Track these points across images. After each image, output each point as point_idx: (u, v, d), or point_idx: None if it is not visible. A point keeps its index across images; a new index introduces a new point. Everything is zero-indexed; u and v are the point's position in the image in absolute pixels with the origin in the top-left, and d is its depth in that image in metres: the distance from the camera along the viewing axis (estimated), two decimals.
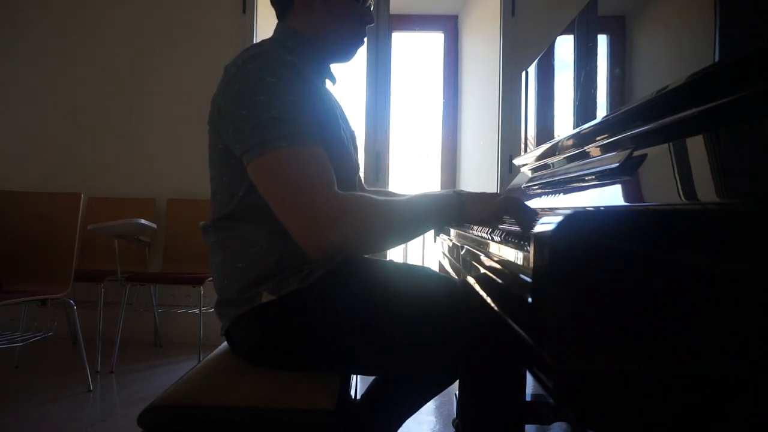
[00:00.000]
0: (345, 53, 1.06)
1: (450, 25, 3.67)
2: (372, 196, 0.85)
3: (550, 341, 0.54)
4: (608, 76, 1.08)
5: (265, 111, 0.83)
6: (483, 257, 1.05)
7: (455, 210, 0.88)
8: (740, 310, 0.51)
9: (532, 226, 0.87)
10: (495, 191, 2.87)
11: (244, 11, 3.00)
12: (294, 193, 0.81)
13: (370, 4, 1.05)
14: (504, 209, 0.88)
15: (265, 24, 3.06)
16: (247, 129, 0.83)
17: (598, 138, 1.07)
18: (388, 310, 0.89)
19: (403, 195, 0.95)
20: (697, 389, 0.52)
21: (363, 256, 0.94)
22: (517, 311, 0.73)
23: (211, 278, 1.04)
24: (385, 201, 0.85)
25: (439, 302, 0.90)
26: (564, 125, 1.35)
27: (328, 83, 1.10)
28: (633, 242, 0.53)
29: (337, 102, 1.06)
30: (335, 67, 1.10)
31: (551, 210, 1.04)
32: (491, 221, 0.90)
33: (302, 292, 0.91)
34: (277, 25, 1.04)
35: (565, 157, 1.27)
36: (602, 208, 0.80)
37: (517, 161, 1.80)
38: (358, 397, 1.23)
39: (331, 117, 0.96)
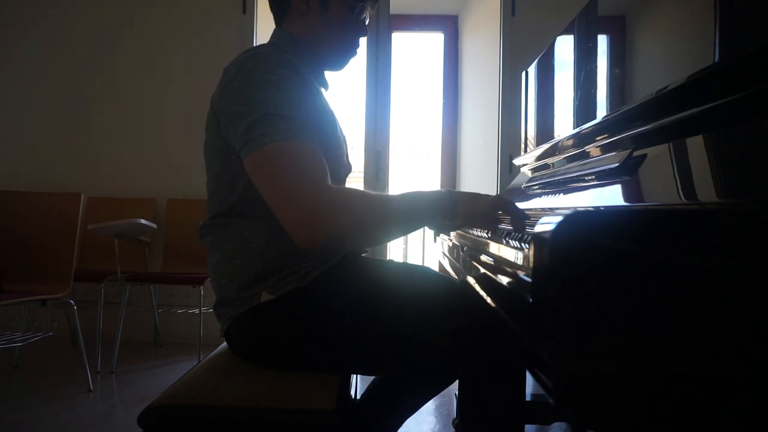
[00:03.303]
0: (337, 61, 1.07)
1: (450, 25, 3.67)
2: (366, 190, 0.86)
3: (550, 341, 0.54)
4: (608, 76, 1.08)
5: (262, 107, 0.84)
6: (483, 257, 1.05)
7: (447, 207, 0.90)
8: (740, 310, 0.51)
9: (524, 225, 0.90)
10: (495, 192, 2.87)
11: (244, 11, 3.00)
12: (287, 184, 0.81)
13: (365, 17, 1.06)
14: (495, 207, 0.91)
15: (265, 24, 3.05)
16: (245, 124, 0.84)
17: (598, 138, 1.07)
18: (388, 310, 0.89)
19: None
20: (696, 389, 0.52)
21: (356, 250, 0.95)
22: (517, 311, 0.73)
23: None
24: (379, 195, 0.88)
25: (439, 302, 0.90)
26: (564, 125, 1.35)
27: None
28: (633, 242, 0.53)
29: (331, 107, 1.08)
30: (329, 75, 1.12)
31: (551, 210, 1.05)
32: (482, 219, 0.92)
33: (301, 291, 0.91)
34: (274, 30, 1.07)
35: (565, 157, 1.27)
36: (602, 208, 0.80)
37: (517, 161, 1.80)
38: (358, 397, 1.23)
39: (327, 116, 0.98)
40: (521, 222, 0.91)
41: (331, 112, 1.01)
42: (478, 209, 0.91)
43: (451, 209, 0.90)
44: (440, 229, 0.99)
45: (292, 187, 0.81)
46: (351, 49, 1.07)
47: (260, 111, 0.84)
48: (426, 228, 0.98)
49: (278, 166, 0.82)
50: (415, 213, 0.90)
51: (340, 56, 1.06)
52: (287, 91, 0.86)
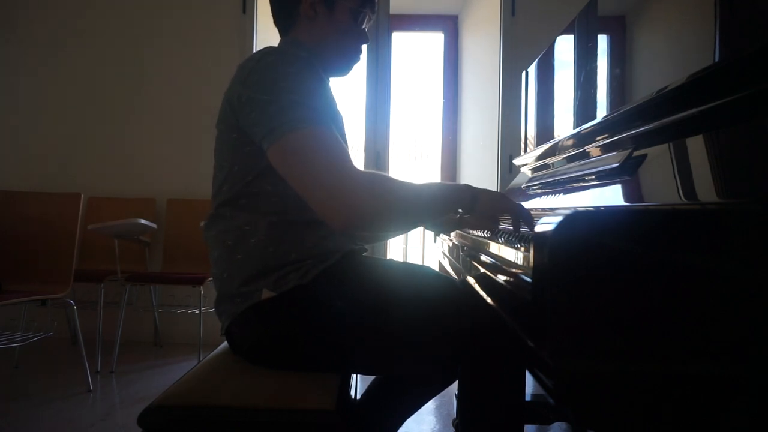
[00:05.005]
0: (343, 66, 1.10)
1: (450, 25, 3.67)
2: (391, 176, 0.91)
3: (550, 341, 0.54)
4: (608, 76, 1.08)
5: (285, 96, 0.87)
6: (483, 257, 1.05)
7: (467, 200, 0.93)
8: (739, 310, 0.51)
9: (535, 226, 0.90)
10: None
11: (244, 11, 3.00)
12: (317, 168, 0.84)
13: (365, 28, 1.10)
14: (511, 210, 0.94)
15: (265, 24, 3.05)
16: (268, 113, 0.87)
17: (598, 138, 1.07)
18: (388, 310, 0.89)
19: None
20: (696, 389, 0.52)
21: (381, 234, 0.98)
22: (517, 311, 0.73)
23: (211, 278, 1.05)
24: (402, 180, 0.91)
25: (439, 301, 0.90)
26: (564, 125, 1.35)
27: None
28: (633, 242, 0.53)
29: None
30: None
31: (551, 210, 1.05)
32: (496, 218, 0.96)
33: (302, 289, 0.91)
34: (281, 39, 1.09)
35: (565, 157, 1.27)
36: (602, 208, 0.80)
37: (517, 161, 1.80)
38: (358, 397, 1.23)
39: (338, 114, 1.00)
40: (532, 225, 0.93)
41: (340, 113, 1.02)
42: (497, 207, 0.94)
43: (471, 201, 0.93)
44: (443, 228, 1.00)
45: (322, 169, 0.84)
46: (355, 55, 1.10)
47: (284, 99, 0.86)
48: (424, 229, 0.99)
49: (306, 150, 0.85)
50: (436, 199, 0.93)
51: (345, 61, 1.09)
52: (308, 83, 0.90)
